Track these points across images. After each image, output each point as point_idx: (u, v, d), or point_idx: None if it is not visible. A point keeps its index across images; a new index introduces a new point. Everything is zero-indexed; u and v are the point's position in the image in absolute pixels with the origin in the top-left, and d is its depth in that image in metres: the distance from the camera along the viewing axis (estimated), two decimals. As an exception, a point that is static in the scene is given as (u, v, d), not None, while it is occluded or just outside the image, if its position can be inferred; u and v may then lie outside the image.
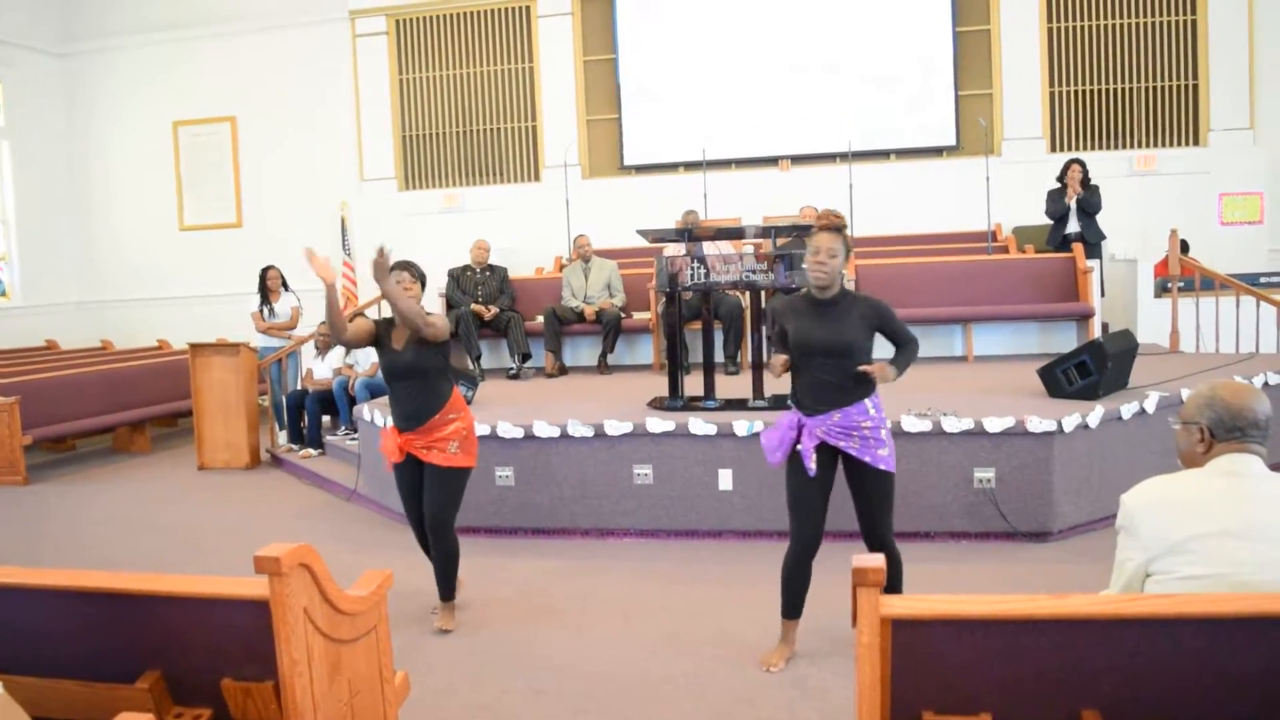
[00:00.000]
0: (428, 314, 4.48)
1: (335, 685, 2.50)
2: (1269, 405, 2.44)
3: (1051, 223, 9.18)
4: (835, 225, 3.85)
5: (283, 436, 9.10)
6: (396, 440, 4.55)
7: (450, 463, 4.52)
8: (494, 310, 8.89)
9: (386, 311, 4.95)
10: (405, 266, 4.60)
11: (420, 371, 4.49)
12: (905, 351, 3.98)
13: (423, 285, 4.72)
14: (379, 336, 4.61)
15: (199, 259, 13.21)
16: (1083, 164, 9.02)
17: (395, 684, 2.86)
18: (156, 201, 13.42)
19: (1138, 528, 2.35)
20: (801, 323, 3.92)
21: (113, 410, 9.67)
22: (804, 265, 3.97)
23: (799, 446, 3.91)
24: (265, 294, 9.87)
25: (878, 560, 2.06)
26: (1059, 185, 9.08)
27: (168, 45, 13.20)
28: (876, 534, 3.92)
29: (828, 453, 3.91)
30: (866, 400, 3.87)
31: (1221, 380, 2.57)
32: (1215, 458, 2.41)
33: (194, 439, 9.00)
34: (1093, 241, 8.87)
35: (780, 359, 3.94)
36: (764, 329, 7.18)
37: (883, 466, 3.85)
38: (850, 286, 8.58)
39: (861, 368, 3.83)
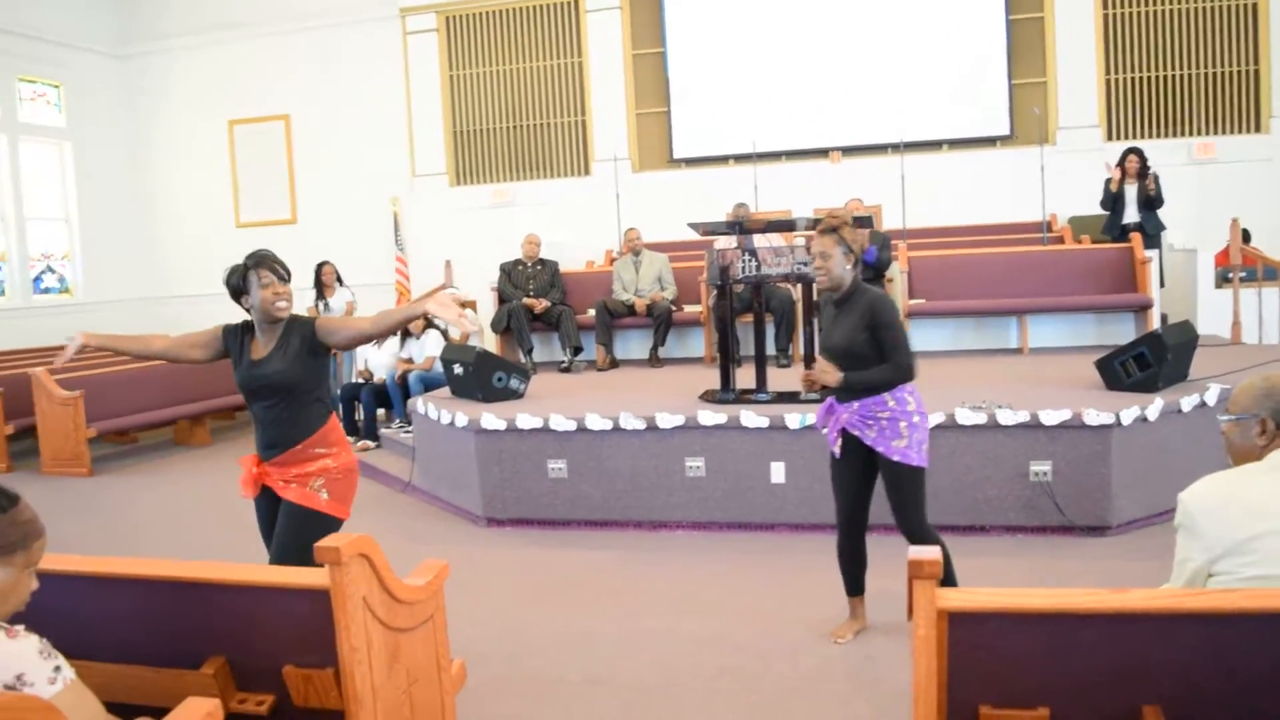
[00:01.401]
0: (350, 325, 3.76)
1: (394, 673, 2.54)
2: None
3: (1108, 212, 9.05)
4: (829, 226, 3.92)
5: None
6: (252, 469, 3.70)
7: (308, 502, 3.59)
8: (545, 304, 8.94)
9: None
10: (271, 264, 3.63)
11: (285, 389, 3.60)
12: (881, 368, 3.87)
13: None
14: (226, 348, 3.75)
15: (255, 255, 13.39)
16: (1140, 153, 8.87)
17: (452, 672, 2.90)
18: (213, 199, 13.66)
19: (1198, 527, 2.29)
20: (825, 322, 4.10)
21: (173, 404, 9.86)
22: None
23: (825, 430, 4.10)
24: (320, 289, 9.99)
25: (934, 553, 2.05)
26: (1119, 175, 8.94)
27: (223, 46, 13.41)
28: (900, 524, 3.97)
29: (856, 439, 4.01)
30: (885, 394, 3.89)
31: (1274, 371, 2.51)
32: (1276, 449, 2.35)
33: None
34: (1152, 232, 8.73)
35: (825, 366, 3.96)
36: (815, 322, 7.15)
37: (896, 458, 3.87)
38: (901, 278, 8.56)
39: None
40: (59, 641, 1.93)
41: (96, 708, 1.92)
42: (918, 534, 3.87)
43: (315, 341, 3.63)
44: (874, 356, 3.87)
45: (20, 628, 1.87)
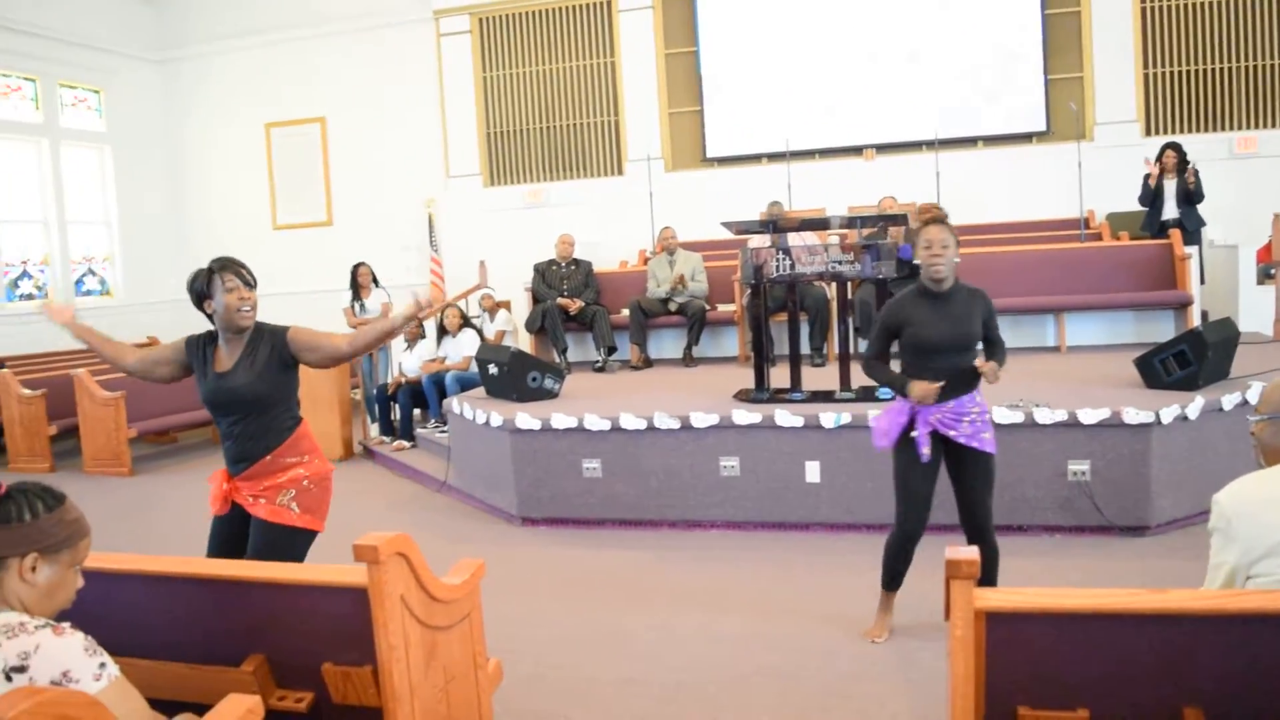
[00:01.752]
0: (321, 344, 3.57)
1: (431, 671, 2.56)
2: None
3: (1146, 209, 8.94)
4: (939, 218, 3.93)
5: (375, 429, 9.29)
6: (222, 485, 3.54)
7: (276, 517, 3.43)
8: (579, 304, 8.96)
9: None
10: (236, 269, 3.50)
11: (252, 402, 3.44)
12: (998, 350, 4.04)
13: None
14: (189, 363, 3.59)
15: (291, 257, 13.53)
16: (1179, 148, 8.76)
17: (489, 671, 2.92)
18: (250, 201, 13.80)
19: (1234, 530, 2.25)
20: (922, 320, 3.94)
21: (212, 405, 9.96)
22: (917, 260, 4.00)
23: (913, 433, 3.96)
24: (356, 290, 10.07)
25: (971, 553, 2.05)
26: (1157, 170, 8.84)
27: (259, 50, 13.54)
28: (977, 521, 3.96)
29: (935, 441, 3.95)
30: (975, 391, 3.96)
31: None
32: None
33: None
34: (1191, 228, 8.62)
35: (934, 387, 3.86)
36: (850, 320, 7.13)
37: (991, 450, 3.93)
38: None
39: (977, 364, 3.89)
40: (103, 639, 1.97)
41: (140, 704, 1.95)
42: (989, 531, 3.95)
43: (287, 354, 3.48)
44: (975, 347, 3.93)
45: (66, 625, 1.91)
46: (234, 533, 3.53)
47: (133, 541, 6.44)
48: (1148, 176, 8.84)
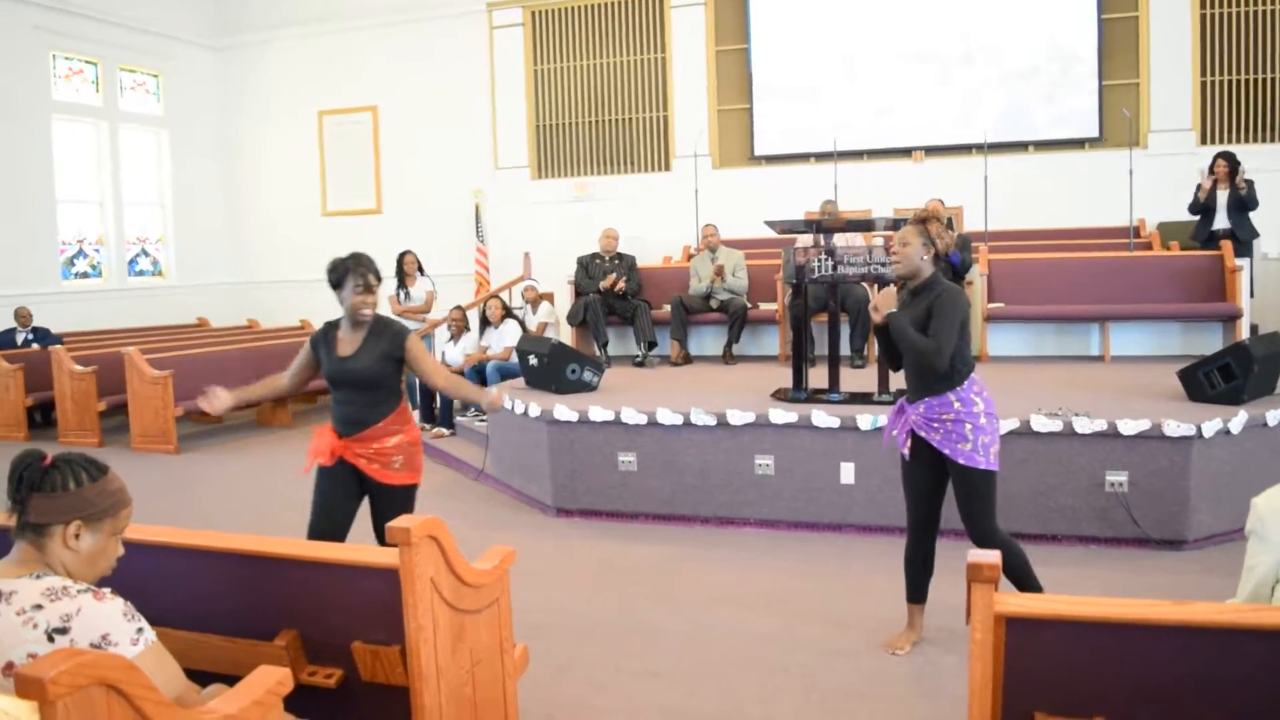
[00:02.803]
0: (428, 375, 4.17)
1: (458, 653, 2.61)
2: None
3: (1197, 218, 8.81)
4: (918, 218, 3.94)
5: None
6: (331, 442, 4.08)
7: (396, 479, 4.09)
8: (623, 283, 8.99)
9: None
10: (365, 271, 3.99)
11: (371, 384, 4.02)
12: (921, 336, 3.82)
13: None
14: (317, 351, 4.12)
15: (340, 243, 13.49)
16: (1230, 157, 8.61)
17: (515, 656, 2.97)
18: (302, 188, 14.01)
19: (1269, 533, 2.25)
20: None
21: (258, 386, 10.11)
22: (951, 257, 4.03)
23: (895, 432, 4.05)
24: (401, 278, 10.17)
25: (993, 557, 2.05)
26: (1209, 180, 8.71)
27: (315, 39, 13.74)
28: (969, 531, 3.91)
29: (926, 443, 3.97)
30: (950, 394, 3.84)
31: None
32: None
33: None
34: (1244, 239, 8.47)
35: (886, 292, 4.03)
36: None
37: (961, 461, 3.81)
38: (981, 281, 8.44)
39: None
40: (142, 607, 2.03)
41: (175, 670, 2.02)
42: (986, 541, 3.79)
43: (398, 355, 4.03)
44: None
45: (107, 591, 1.97)
46: (339, 480, 4.12)
47: (176, 517, 6.56)
48: (1199, 188, 8.71)
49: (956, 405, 3.83)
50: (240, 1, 14.19)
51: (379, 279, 4.02)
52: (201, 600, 2.73)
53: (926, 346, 3.77)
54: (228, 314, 14.15)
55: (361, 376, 3.99)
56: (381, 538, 3.81)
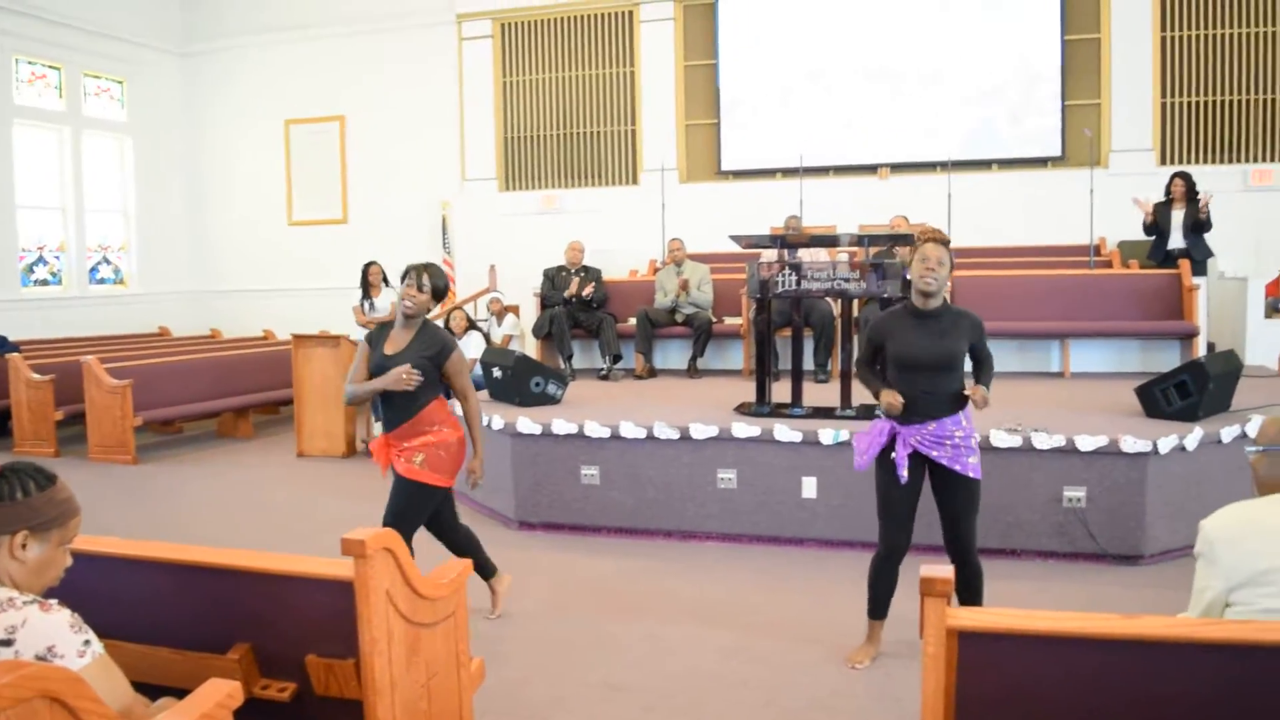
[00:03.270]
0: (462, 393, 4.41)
1: (413, 667, 2.60)
2: None
3: (1153, 238, 8.95)
4: (942, 239, 3.94)
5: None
6: (380, 442, 4.43)
7: (410, 474, 4.28)
8: (590, 288, 9.00)
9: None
10: (417, 273, 4.29)
11: None
12: (986, 370, 4.03)
13: (439, 298, 4.36)
14: (373, 349, 4.37)
15: (305, 253, 13.64)
16: (1187, 177, 8.75)
17: (471, 670, 2.95)
18: (267, 197, 13.92)
19: (1218, 556, 2.28)
20: (905, 336, 3.95)
21: (218, 396, 10.04)
22: (908, 275, 4.04)
23: (892, 454, 3.97)
24: (367, 289, 10.11)
25: (945, 571, 2.07)
26: (1165, 199, 8.84)
27: (282, 47, 13.68)
28: (960, 544, 3.96)
29: (917, 461, 3.96)
30: (960, 414, 3.93)
31: None
32: None
33: (294, 427, 9.30)
34: (1199, 259, 8.60)
35: (898, 400, 3.91)
36: (855, 338, 7.12)
37: (972, 474, 3.90)
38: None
39: (968, 391, 3.89)
40: (91, 619, 2.01)
41: (123, 683, 1.99)
42: (974, 553, 3.96)
43: (441, 364, 4.30)
44: (960, 370, 3.93)
45: (54, 602, 1.95)
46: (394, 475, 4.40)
47: (132, 528, 6.48)
48: (1161, 205, 8.83)
49: (964, 423, 3.93)
50: (207, 8, 14.10)
51: (433, 287, 4.29)
52: (153, 612, 2.69)
53: (991, 373, 4.04)
54: (190, 323, 14.01)
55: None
56: (385, 519, 4.28)
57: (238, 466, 8.79)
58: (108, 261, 13.60)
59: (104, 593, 2.66)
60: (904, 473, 3.92)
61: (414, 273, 4.28)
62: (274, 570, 2.59)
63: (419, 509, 4.35)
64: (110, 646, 2.02)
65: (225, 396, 10.08)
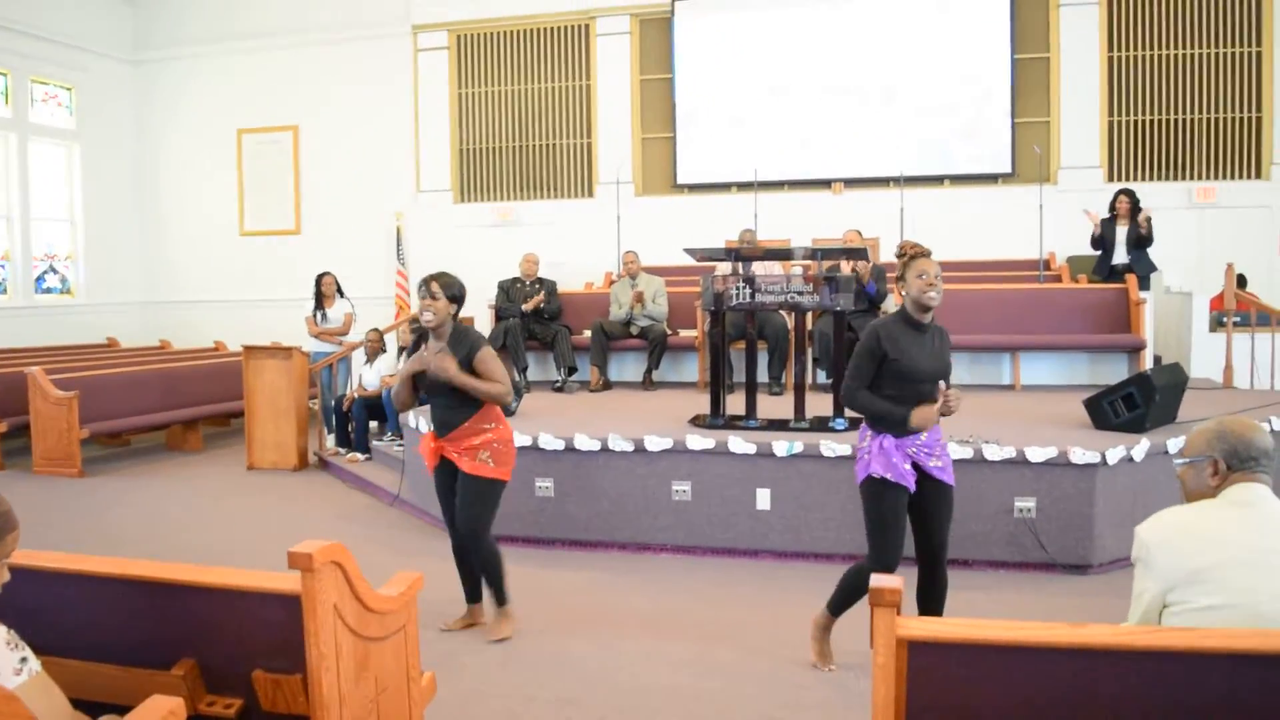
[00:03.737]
0: (488, 380, 4.45)
1: (362, 681, 2.56)
2: (1270, 438, 2.48)
3: (1098, 252, 9.10)
4: (925, 253, 4.05)
5: (331, 440, 9.24)
6: (431, 445, 4.58)
7: (477, 471, 4.48)
8: (540, 298, 8.97)
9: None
10: (428, 281, 4.46)
11: (449, 386, 4.42)
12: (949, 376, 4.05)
13: (458, 302, 4.50)
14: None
15: (257, 264, 13.50)
16: (1131, 194, 8.91)
17: (422, 684, 2.92)
18: (219, 206, 13.76)
19: (1153, 559, 2.36)
20: (909, 350, 3.91)
21: (168, 408, 9.88)
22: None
23: (884, 474, 3.92)
24: (320, 299, 10.04)
25: (894, 581, 2.08)
26: (1109, 216, 9.00)
27: (235, 55, 13.54)
28: (941, 554, 4.04)
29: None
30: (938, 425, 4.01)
31: (1225, 416, 2.59)
32: (1228, 488, 2.43)
33: (244, 439, 9.18)
34: (1142, 274, 8.75)
35: (935, 409, 3.90)
36: (809, 351, 7.18)
37: (951, 482, 4.01)
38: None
39: (946, 392, 3.87)
40: (31, 636, 1.96)
41: (60, 701, 1.95)
42: (947, 552, 4.07)
43: (471, 360, 4.41)
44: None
45: (-11, 620, 1.90)
46: (447, 480, 4.64)
47: (76, 542, 6.36)
48: (1106, 222, 8.99)
49: (941, 433, 4.01)
50: (158, 16, 13.93)
51: (443, 292, 4.41)
52: (94, 628, 2.63)
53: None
54: (139, 334, 13.80)
55: (440, 381, 4.39)
56: (457, 524, 4.57)
57: (187, 479, 8.65)
58: (54, 271, 13.37)
59: (43, 608, 2.61)
60: (912, 483, 3.92)
61: (423, 285, 4.43)
62: (219, 584, 2.54)
63: (492, 502, 4.58)
64: (49, 664, 1.98)
65: (174, 408, 9.93)
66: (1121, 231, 8.88)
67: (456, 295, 4.47)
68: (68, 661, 2.52)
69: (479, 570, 4.72)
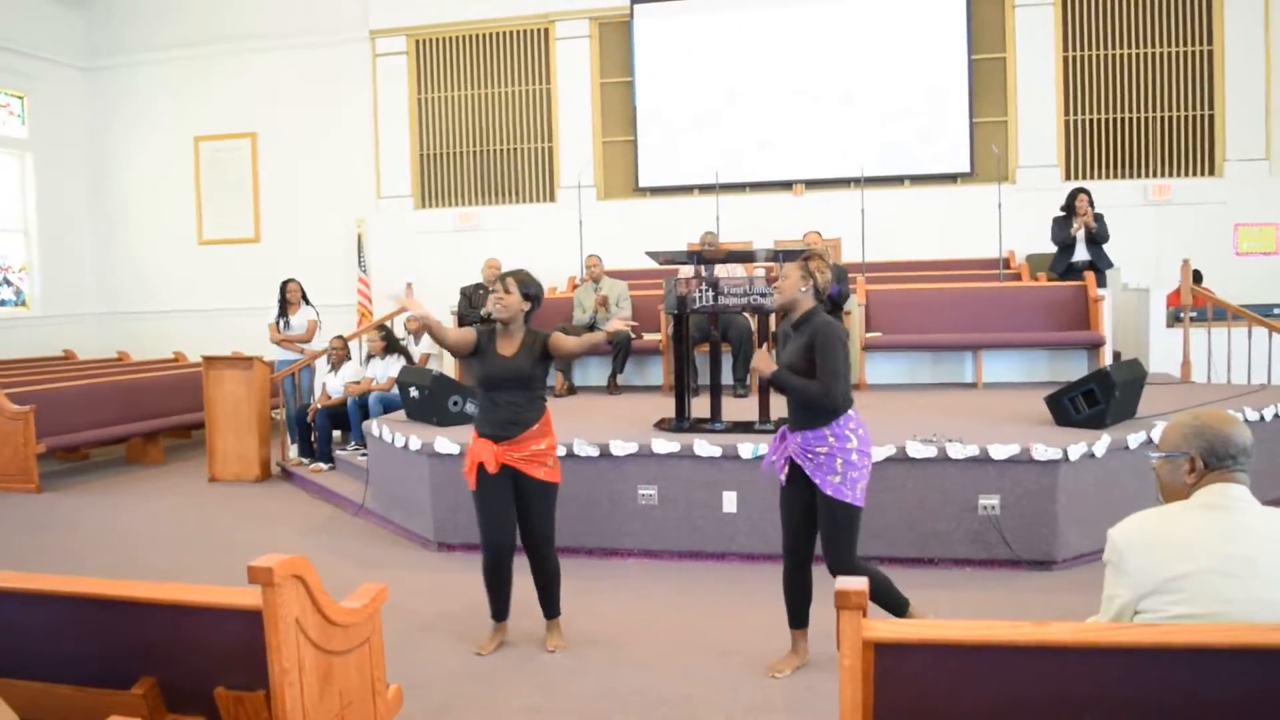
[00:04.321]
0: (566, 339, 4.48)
1: (326, 696, 2.53)
2: (1249, 433, 2.43)
3: (1057, 249, 9.20)
4: (803, 256, 4.08)
5: (294, 450, 9.15)
6: (493, 449, 4.36)
7: (552, 478, 4.46)
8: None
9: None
10: (503, 278, 4.44)
11: (528, 381, 4.39)
12: (809, 382, 3.92)
13: (533, 301, 4.46)
14: (479, 345, 4.45)
15: (216, 273, 13.33)
16: (1089, 192, 9.03)
17: (388, 697, 2.89)
18: (176, 215, 13.57)
19: (1126, 565, 2.31)
20: (784, 344, 4.13)
21: (127, 421, 9.73)
22: (836, 291, 4.15)
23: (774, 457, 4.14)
24: (284, 306, 9.93)
25: (861, 584, 2.07)
26: (1063, 213, 9.10)
27: (191, 62, 13.36)
28: (826, 558, 3.98)
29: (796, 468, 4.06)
30: (826, 429, 3.92)
31: (1203, 410, 2.53)
32: (1203, 487, 2.37)
33: (205, 451, 9.06)
34: (1102, 269, 8.86)
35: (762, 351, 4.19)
36: (773, 353, 7.14)
37: (829, 492, 3.91)
38: (859, 311, 8.64)
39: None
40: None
41: (12, 725, 1.90)
42: (842, 571, 3.81)
43: (546, 350, 4.41)
44: (812, 377, 3.93)
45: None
46: (502, 490, 4.43)
47: (35, 561, 6.26)
48: (1060, 219, 9.09)
49: (831, 440, 3.91)
50: (112, 21, 13.72)
51: (518, 289, 4.40)
52: (51, 648, 2.58)
53: (816, 392, 3.87)
54: (96, 346, 13.58)
55: (520, 373, 4.35)
56: (529, 537, 4.52)
57: (147, 493, 8.53)
58: (8, 283, 13.14)
59: (-3, 629, 2.55)
60: (781, 475, 4.11)
61: (499, 280, 4.42)
62: (178, 601, 2.50)
63: (554, 507, 4.56)
64: (3, 685, 1.93)
65: (134, 421, 9.79)
66: (1080, 230, 8.99)
67: (533, 294, 4.46)
68: (21, 682, 2.47)
69: (549, 581, 4.61)
